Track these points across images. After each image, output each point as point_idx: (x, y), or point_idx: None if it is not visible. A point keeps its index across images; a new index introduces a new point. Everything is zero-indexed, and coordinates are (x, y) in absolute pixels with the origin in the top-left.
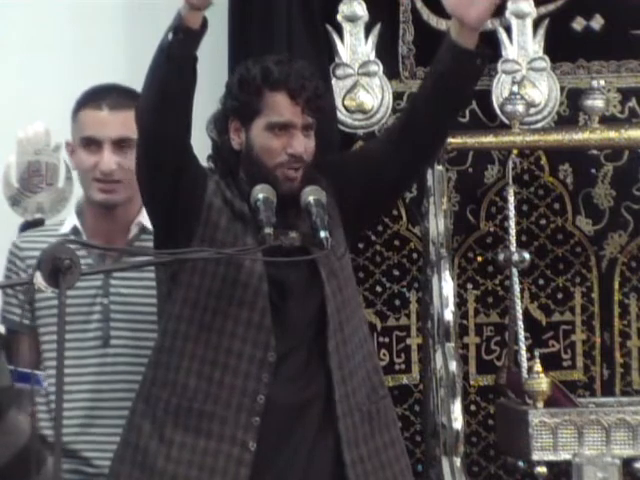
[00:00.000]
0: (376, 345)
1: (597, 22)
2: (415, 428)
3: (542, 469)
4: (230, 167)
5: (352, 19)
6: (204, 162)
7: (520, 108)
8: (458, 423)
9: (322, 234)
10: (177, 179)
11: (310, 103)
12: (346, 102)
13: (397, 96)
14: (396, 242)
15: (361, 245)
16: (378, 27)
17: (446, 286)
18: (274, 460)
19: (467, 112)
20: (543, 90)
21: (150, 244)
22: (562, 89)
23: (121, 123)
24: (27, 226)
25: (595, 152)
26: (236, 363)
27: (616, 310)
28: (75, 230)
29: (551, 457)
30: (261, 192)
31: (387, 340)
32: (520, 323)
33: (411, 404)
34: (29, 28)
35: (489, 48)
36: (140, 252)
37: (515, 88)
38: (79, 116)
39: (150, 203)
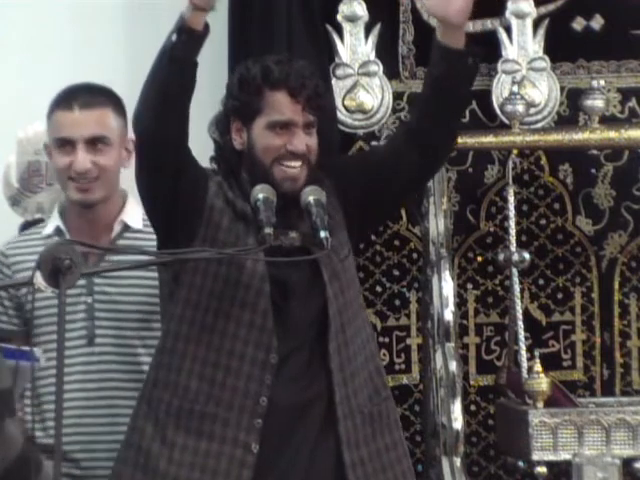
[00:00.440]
0: (375, 339)
1: (597, 22)
2: (415, 428)
3: (542, 469)
4: (232, 167)
5: (352, 19)
6: (206, 163)
7: (520, 108)
8: (458, 423)
9: (322, 234)
10: (176, 181)
11: (311, 101)
12: (346, 102)
13: (397, 96)
14: (396, 242)
15: (361, 245)
16: (378, 27)
17: (446, 286)
18: (276, 461)
19: (467, 112)
20: (543, 90)
21: (133, 242)
22: (562, 89)
23: (94, 122)
24: (27, 226)
25: (595, 152)
26: (238, 365)
27: (616, 310)
28: (58, 231)
29: (551, 457)
30: (261, 192)
31: (387, 340)
32: (520, 323)
33: (411, 404)
34: (29, 28)
35: (479, 46)
36: (141, 252)
37: (515, 88)
38: (52, 118)
39: (150, 206)
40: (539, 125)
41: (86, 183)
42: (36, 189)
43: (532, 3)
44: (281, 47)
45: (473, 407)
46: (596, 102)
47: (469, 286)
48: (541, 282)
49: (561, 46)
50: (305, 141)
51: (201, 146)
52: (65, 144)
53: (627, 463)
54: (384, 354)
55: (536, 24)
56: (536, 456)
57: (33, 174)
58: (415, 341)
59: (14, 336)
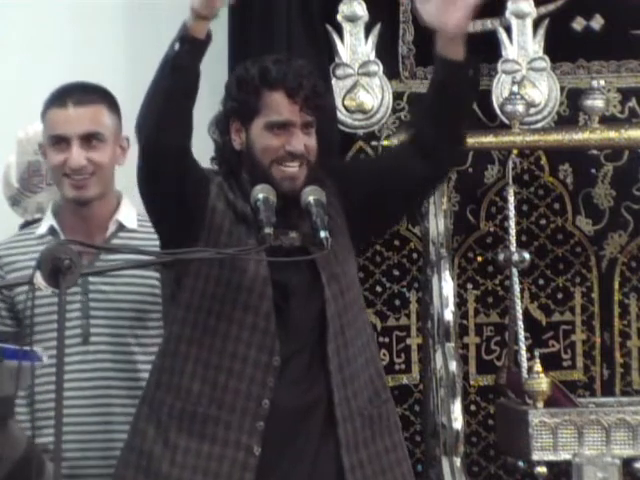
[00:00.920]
0: (376, 341)
1: (597, 22)
2: (415, 428)
3: (542, 469)
4: (232, 168)
5: (352, 19)
6: (206, 163)
7: (520, 108)
8: (458, 423)
9: (322, 234)
10: (179, 187)
11: (308, 101)
12: (346, 102)
13: (397, 96)
14: (396, 242)
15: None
16: (378, 27)
17: (446, 286)
18: (278, 464)
19: None
20: (543, 90)
21: (128, 241)
22: (562, 89)
23: (88, 118)
24: (27, 226)
25: (595, 152)
26: (241, 367)
27: (616, 310)
28: (52, 230)
29: (551, 457)
30: (261, 192)
31: (387, 340)
32: (520, 323)
33: (411, 404)
34: (29, 28)
35: (478, 56)
36: (141, 252)
37: (515, 88)
38: (46, 116)
39: (153, 210)
40: (539, 125)
41: (81, 180)
42: (36, 189)
43: (532, 3)
44: (281, 47)
45: (473, 407)
46: (596, 102)
47: (469, 286)
48: (541, 282)
49: (561, 46)
50: (304, 141)
51: (201, 146)
52: (60, 141)
53: (627, 463)
54: (384, 354)
55: (536, 24)
56: (536, 456)
57: (33, 174)
58: (415, 341)
59: (8, 337)
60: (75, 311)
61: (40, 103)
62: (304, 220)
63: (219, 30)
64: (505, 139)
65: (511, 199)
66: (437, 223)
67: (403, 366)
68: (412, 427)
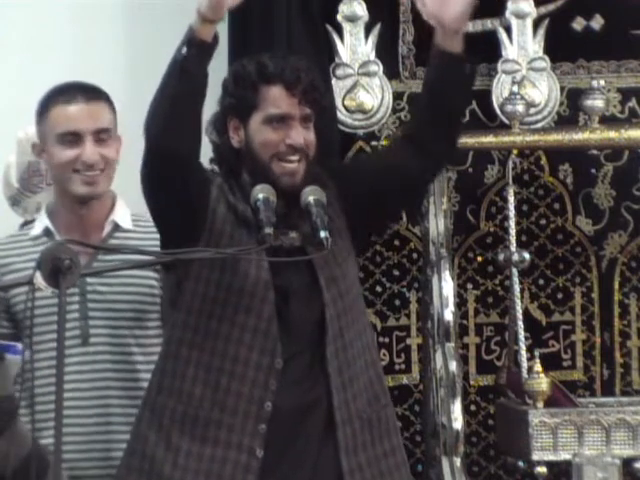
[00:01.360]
0: (376, 345)
1: (597, 22)
2: (415, 428)
3: (542, 469)
4: (231, 167)
5: (352, 19)
6: (207, 164)
7: (520, 108)
8: (458, 423)
9: (322, 234)
10: (183, 188)
11: (307, 94)
12: (346, 102)
13: (397, 96)
14: (396, 242)
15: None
16: (378, 27)
17: (446, 286)
18: (279, 467)
19: (467, 112)
20: (543, 90)
21: (125, 241)
22: (562, 89)
23: (99, 114)
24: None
25: (595, 152)
26: (243, 370)
27: (616, 310)
28: (47, 231)
29: (551, 457)
30: (261, 192)
31: (387, 340)
32: (520, 323)
33: (411, 404)
34: (29, 28)
35: (477, 59)
36: (140, 252)
37: (515, 88)
38: (51, 114)
39: (155, 209)
40: (539, 125)
41: (93, 176)
42: (36, 189)
43: (532, 3)
44: (281, 47)
45: (473, 407)
46: (596, 102)
47: (469, 286)
48: (541, 282)
49: (561, 46)
50: (302, 134)
51: (202, 147)
52: (71, 137)
53: (627, 463)
54: (384, 354)
55: (536, 24)
56: (536, 456)
57: (33, 174)
58: (415, 341)
59: (4, 339)
60: (73, 312)
61: None
62: (304, 220)
63: (219, 30)
64: (505, 139)
65: (511, 199)
66: (437, 223)
67: (403, 366)
68: (412, 427)
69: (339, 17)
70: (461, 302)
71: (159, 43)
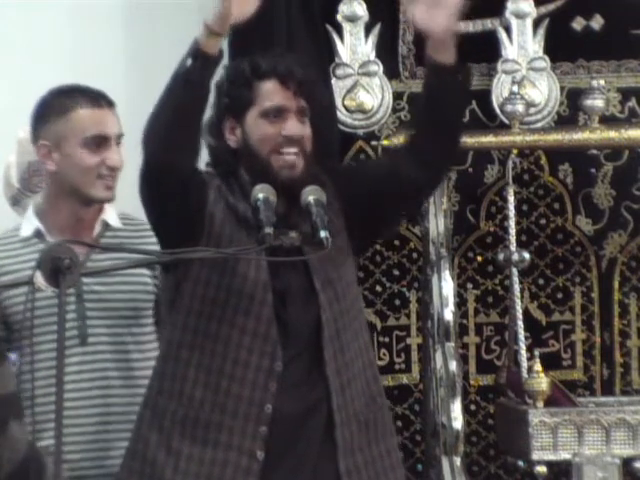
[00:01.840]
0: (376, 345)
1: (597, 22)
2: (415, 428)
3: (542, 469)
4: (230, 168)
5: (352, 19)
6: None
7: (520, 108)
8: (458, 423)
9: (322, 234)
10: (181, 198)
11: (302, 87)
12: (346, 102)
13: (397, 96)
14: (396, 242)
15: None
16: (378, 27)
17: (446, 286)
18: (281, 469)
19: (467, 112)
20: (543, 90)
21: (115, 240)
22: (562, 89)
23: (117, 119)
24: None
25: (595, 152)
26: (243, 373)
27: (616, 310)
28: (38, 233)
29: (551, 457)
30: (261, 192)
31: (387, 340)
32: (520, 323)
33: (411, 404)
34: (29, 28)
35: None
36: (142, 251)
37: (515, 88)
38: (75, 116)
39: (152, 216)
40: (539, 125)
41: (113, 180)
42: (36, 189)
43: (532, 3)
44: (281, 47)
45: (473, 407)
46: (596, 102)
47: (469, 286)
48: (541, 282)
49: (561, 46)
50: (299, 126)
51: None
52: (99, 140)
53: (627, 463)
54: (384, 354)
55: (536, 24)
56: (536, 456)
57: (33, 174)
58: (415, 341)
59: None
60: (70, 312)
61: None
62: (304, 220)
63: None
64: (505, 139)
65: (511, 199)
66: (437, 223)
67: (403, 366)
68: (412, 427)
69: (339, 17)
70: (461, 302)
71: (158, 44)
